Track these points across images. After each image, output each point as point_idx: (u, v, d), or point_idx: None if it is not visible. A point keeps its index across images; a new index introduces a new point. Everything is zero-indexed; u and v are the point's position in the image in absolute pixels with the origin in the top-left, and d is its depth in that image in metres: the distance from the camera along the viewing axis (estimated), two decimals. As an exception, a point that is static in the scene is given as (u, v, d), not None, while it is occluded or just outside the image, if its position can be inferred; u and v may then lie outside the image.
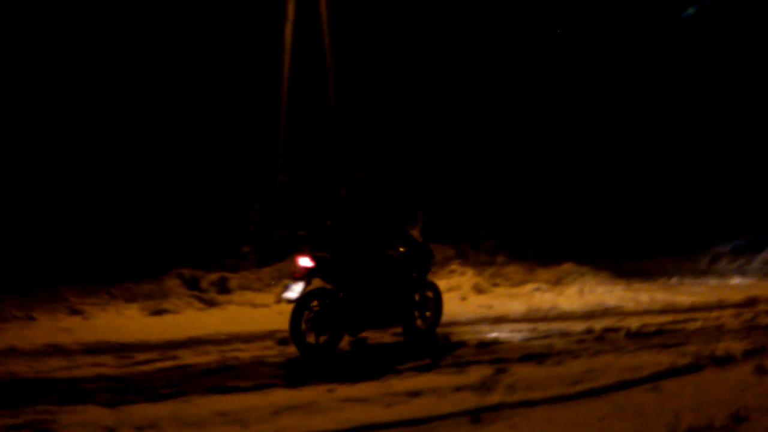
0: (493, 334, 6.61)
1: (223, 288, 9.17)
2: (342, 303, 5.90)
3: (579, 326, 7.22)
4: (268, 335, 6.59)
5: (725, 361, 5.46)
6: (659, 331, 6.97)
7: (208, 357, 5.72)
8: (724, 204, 18.10)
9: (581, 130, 17.14)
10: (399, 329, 6.44)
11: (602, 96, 17.40)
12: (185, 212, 11.53)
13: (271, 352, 6.00)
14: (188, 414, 4.04)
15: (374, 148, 13.22)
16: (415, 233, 7.31)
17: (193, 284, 9.05)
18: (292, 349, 5.81)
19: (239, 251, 10.72)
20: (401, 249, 6.40)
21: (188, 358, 5.70)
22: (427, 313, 6.69)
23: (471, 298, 9.09)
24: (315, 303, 5.81)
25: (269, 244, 10.95)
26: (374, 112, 14.16)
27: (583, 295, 10.37)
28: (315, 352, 5.72)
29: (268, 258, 10.59)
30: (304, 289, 5.84)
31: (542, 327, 7.19)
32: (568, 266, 12.36)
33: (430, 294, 6.74)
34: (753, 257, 15.74)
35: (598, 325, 7.29)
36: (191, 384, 4.81)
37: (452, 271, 10.83)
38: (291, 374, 5.24)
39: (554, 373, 5.04)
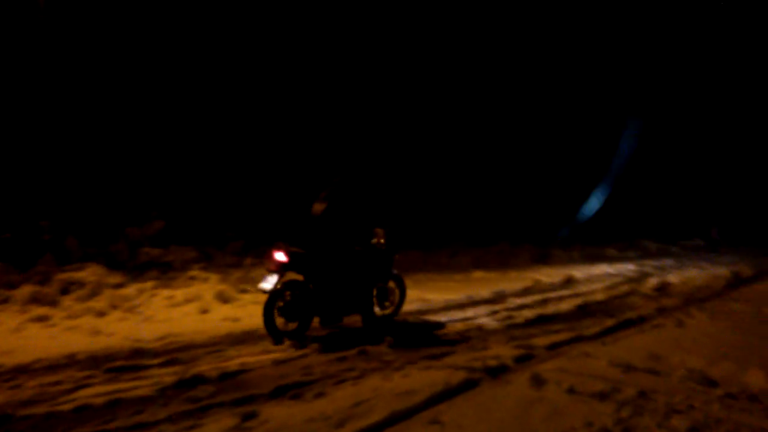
0: (239, 360, 5.36)
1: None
2: (311, 294, 6.47)
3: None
4: None
5: (499, 371, 4.93)
6: (423, 338, 6.37)
7: None
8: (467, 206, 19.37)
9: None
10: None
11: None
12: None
13: None
14: None
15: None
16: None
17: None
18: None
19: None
20: (382, 241, 7.21)
21: None
22: (386, 303, 7.44)
23: (214, 310, 7.69)
24: (287, 293, 6.34)
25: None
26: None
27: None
28: (284, 337, 6.17)
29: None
30: (278, 281, 6.28)
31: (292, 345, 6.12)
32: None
33: (392, 284, 7.54)
34: (488, 250, 16.66)
35: (358, 336, 6.50)
36: None
37: (192, 278, 9.34)
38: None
39: (317, 411, 3.97)
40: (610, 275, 12.12)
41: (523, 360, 5.30)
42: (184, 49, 13.28)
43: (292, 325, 6.30)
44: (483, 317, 7.58)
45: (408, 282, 8.01)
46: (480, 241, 17.27)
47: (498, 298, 9.25)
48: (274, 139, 14.79)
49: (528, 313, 7.79)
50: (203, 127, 13.59)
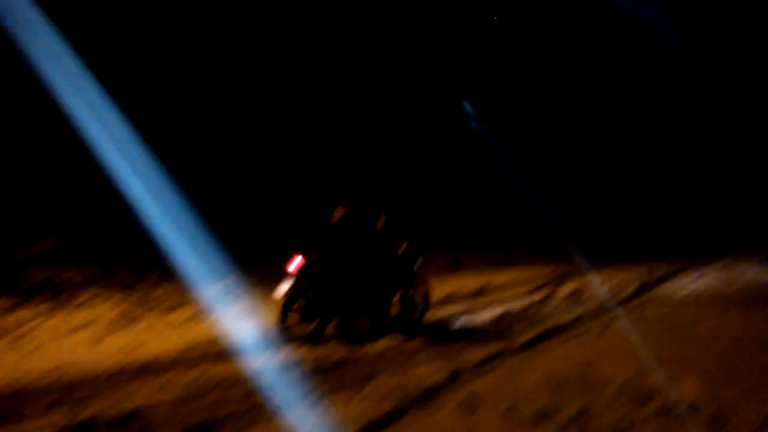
0: (143, 395, 4.76)
1: None
2: (327, 299, 6.95)
3: (255, 365, 5.85)
4: None
5: (428, 395, 4.62)
6: (342, 361, 5.96)
7: None
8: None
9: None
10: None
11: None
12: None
13: None
14: None
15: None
16: None
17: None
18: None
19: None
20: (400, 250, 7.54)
21: None
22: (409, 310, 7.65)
23: (108, 338, 6.95)
24: (306, 296, 6.91)
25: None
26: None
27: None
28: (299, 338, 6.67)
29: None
30: (294, 285, 6.82)
31: (201, 375, 5.46)
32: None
33: (414, 291, 7.72)
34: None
35: (274, 360, 6.04)
36: None
37: (89, 299, 8.57)
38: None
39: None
40: (527, 281, 12.14)
41: (453, 379, 5.01)
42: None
43: (309, 327, 6.84)
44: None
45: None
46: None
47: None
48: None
49: (453, 325, 7.56)
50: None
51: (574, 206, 22.82)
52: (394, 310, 7.49)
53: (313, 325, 6.82)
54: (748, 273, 12.29)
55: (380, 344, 6.49)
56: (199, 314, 8.73)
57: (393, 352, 6.20)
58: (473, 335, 7.10)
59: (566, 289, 10.90)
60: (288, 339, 6.62)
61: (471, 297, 10.05)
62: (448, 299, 9.86)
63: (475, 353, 5.96)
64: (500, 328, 7.36)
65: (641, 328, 6.98)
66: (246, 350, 6.12)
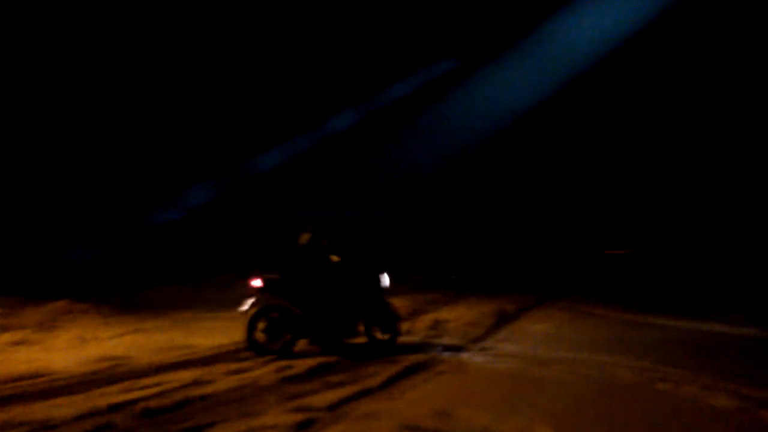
0: None
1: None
2: (295, 316, 7.67)
3: (76, 405, 5.06)
4: None
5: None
6: (186, 401, 5.32)
7: None
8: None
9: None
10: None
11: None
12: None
13: None
14: None
15: None
16: None
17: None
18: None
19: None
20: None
21: None
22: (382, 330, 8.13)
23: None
24: (271, 315, 7.61)
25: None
26: None
27: (84, 344, 8.16)
28: (269, 353, 7.38)
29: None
30: (254, 303, 7.61)
31: (10, 418, 4.71)
32: (63, 304, 9.94)
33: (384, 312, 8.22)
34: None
35: (104, 399, 5.28)
36: None
37: None
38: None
39: None
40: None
41: (303, 427, 4.56)
42: None
43: (276, 344, 7.51)
44: (258, 368, 6.74)
45: (170, 323, 7.07)
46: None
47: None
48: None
49: (307, 360, 7.10)
50: None
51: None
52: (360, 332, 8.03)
53: (278, 343, 7.50)
54: (595, 311, 12.87)
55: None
56: (20, 343, 7.73)
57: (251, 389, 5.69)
58: (333, 370, 6.73)
59: (428, 319, 10.83)
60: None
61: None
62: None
63: (332, 393, 5.56)
64: (361, 365, 7.00)
65: (498, 368, 6.91)
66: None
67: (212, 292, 14.54)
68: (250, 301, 7.58)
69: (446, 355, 7.67)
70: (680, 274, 19.50)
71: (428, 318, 11.10)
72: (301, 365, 6.83)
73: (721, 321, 11.28)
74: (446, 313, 11.78)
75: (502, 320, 11.09)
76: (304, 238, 8.06)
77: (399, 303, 12.51)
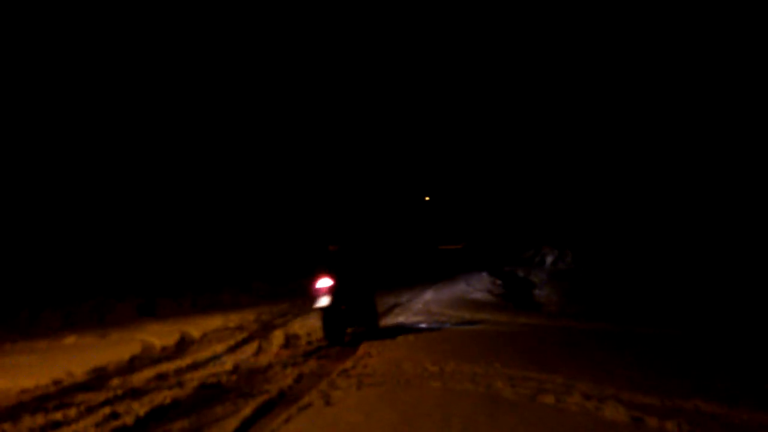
0: None
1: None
2: (346, 311, 9.38)
3: None
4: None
5: None
6: None
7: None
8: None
9: None
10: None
11: None
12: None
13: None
14: None
15: None
16: None
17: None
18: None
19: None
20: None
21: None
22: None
23: None
24: (341, 308, 9.31)
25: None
26: None
27: None
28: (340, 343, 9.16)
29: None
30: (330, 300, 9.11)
31: None
32: None
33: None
34: (83, 305, 13.86)
35: None
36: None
37: None
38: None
39: None
40: (231, 330, 10.73)
41: None
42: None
43: (341, 335, 9.30)
44: (74, 421, 5.37)
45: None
46: (71, 294, 14.39)
47: (98, 379, 7.01)
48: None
49: (138, 406, 5.79)
50: None
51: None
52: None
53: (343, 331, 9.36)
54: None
55: None
56: None
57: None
58: (173, 416, 5.52)
59: (279, 337, 9.80)
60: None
61: (167, 359, 8.31)
62: (136, 362, 8.04)
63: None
64: (207, 405, 5.86)
65: (366, 396, 6.08)
66: None
67: (21, 319, 12.47)
68: (326, 299, 9.02)
69: (305, 381, 6.72)
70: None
71: (279, 335, 10.06)
72: (129, 411, 5.55)
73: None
74: (297, 327, 10.81)
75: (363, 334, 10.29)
76: (333, 247, 9.67)
77: (225, 322, 11.46)
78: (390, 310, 13.54)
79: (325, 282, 9.04)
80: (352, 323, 9.49)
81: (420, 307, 13.97)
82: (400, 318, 12.21)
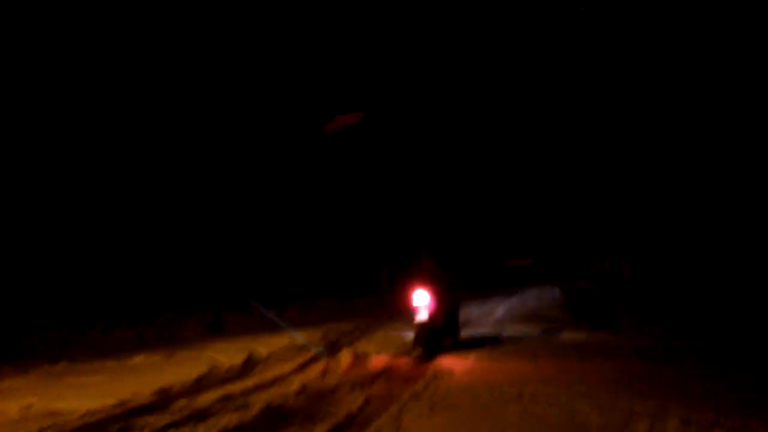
0: None
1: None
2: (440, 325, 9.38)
3: None
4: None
5: None
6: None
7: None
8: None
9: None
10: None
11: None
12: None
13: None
14: None
15: None
16: None
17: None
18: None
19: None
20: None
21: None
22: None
23: None
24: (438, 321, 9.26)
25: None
26: None
27: None
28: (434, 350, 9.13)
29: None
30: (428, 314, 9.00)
31: None
32: None
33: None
34: (152, 321, 13.96)
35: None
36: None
37: None
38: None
39: None
40: (298, 348, 10.47)
41: None
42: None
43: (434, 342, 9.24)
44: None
45: (38, 378, 6.04)
46: (141, 310, 14.52)
47: (163, 401, 6.82)
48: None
49: (203, 430, 5.55)
50: None
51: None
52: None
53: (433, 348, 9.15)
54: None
55: None
56: None
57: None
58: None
59: (347, 356, 9.45)
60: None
61: (233, 378, 8.10)
62: (202, 382, 7.85)
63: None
64: (273, 428, 5.56)
65: (439, 421, 5.65)
66: None
67: (96, 335, 12.63)
68: (425, 313, 8.91)
69: (375, 404, 6.35)
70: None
71: (347, 355, 9.73)
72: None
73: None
74: (366, 345, 10.45)
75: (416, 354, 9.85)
76: (426, 259, 9.80)
77: (291, 342, 11.21)
78: (465, 323, 13.08)
79: (423, 296, 8.98)
80: (445, 335, 9.69)
81: (492, 320, 13.55)
82: (474, 331, 11.94)
